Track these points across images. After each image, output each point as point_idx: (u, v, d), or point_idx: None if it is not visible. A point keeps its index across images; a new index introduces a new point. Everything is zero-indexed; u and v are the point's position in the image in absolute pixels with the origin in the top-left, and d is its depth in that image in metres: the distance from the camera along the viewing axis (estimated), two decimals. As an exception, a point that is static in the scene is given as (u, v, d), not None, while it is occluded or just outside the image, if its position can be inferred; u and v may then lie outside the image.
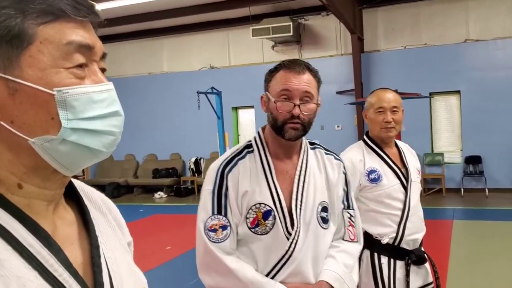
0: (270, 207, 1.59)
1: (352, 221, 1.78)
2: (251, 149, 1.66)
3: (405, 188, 2.34)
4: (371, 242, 2.33)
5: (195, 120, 11.66)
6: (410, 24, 10.51)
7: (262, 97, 1.66)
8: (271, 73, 1.63)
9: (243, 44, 11.58)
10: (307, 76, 1.58)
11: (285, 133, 1.58)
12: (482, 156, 9.90)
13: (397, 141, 2.51)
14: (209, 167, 1.67)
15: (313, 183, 1.66)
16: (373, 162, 2.36)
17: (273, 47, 11.53)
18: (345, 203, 1.76)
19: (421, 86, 9.76)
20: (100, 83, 0.69)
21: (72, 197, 0.78)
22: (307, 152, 1.70)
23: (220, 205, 1.58)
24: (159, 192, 11.82)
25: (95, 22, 0.70)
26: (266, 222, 1.58)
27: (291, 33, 10.50)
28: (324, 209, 1.67)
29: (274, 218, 1.58)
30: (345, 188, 1.77)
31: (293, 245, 1.59)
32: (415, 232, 2.36)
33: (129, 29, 11.91)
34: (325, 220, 1.66)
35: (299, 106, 1.55)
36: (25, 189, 0.67)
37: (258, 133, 1.70)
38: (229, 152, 1.68)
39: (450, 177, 10.15)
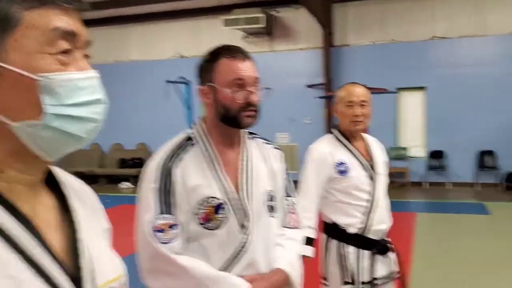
0: (220, 200, 1.52)
1: (293, 208, 1.78)
2: (193, 141, 1.58)
3: (372, 180, 2.40)
4: (338, 232, 2.40)
5: (164, 109, 11.54)
6: (379, 20, 10.67)
7: (202, 89, 1.57)
8: (210, 63, 1.55)
9: (214, 34, 11.49)
10: (250, 62, 1.56)
11: (241, 122, 1.53)
12: (445, 151, 10.20)
13: (365, 135, 2.57)
14: (148, 164, 1.57)
15: (257, 173, 1.62)
16: (342, 154, 2.42)
17: (244, 38, 11.50)
18: (286, 191, 1.76)
19: (388, 82, 9.95)
20: (85, 70, 0.69)
21: (53, 183, 0.78)
22: (247, 142, 1.66)
23: (166, 203, 1.48)
24: (124, 182, 11.66)
25: (80, 9, 0.71)
26: (218, 216, 1.51)
27: (262, 25, 10.50)
28: (271, 198, 1.65)
29: (226, 211, 1.52)
30: (286, 177, 1.77)
31: (247, 237, 1.55)
32: (381, 222, 2.42)
33: (98, 15, 11.64)
34: (272, 209, 1.65)
35: (253, 93, 1.53)
36: (6, 174, 0.68)
37: (199, 123, 1.62)
38: (169, 147, 1.58)
39: (414, 171, 10.41)
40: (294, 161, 11.19)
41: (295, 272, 1.63)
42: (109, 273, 0.79)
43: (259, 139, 1.73)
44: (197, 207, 1.50)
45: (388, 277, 2.46)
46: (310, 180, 2.41)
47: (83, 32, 0.71)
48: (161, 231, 1.46)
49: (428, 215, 7.79)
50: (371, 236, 2.39)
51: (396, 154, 10.47)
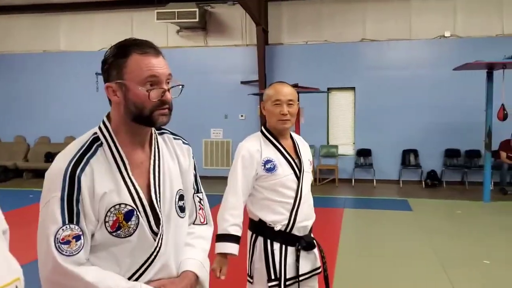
0: (131, 206, 1.43)
1: (202, 204, 1.75)
2: (99, 141, 1.47)
3: (298, 178, 2.46)
4: (265, 229, 2.43)
5: (93, 102, 11.09)
6: (313, 20, 10.91)
7: (109, 86, 1.45)
8: (121, 58, 1.44)
9: (147, 27, 11.25)
10: (162, 58, 1.48)
11: (156, 121, 1.45)
12: (372, 149, 10.64)
13: (292, 133, 2.63)
14: (51, 169, 1.42)
15: (168, 172, 1.56)
16: (269, 152, 2.46)
17: (178, 32, 11.35)
18: (195, 187, 1.72)
19: (320, 81, 10.23)
20: None
21: None
22: (157, 140, 1.58)
23: (71, 213, 1.36)
24: (51, 177, 11.16)
25: None
26: (129, 223, 1.43)
27: (197, 19, 10.41)
28: (181, 197, 1.60)
29: (138, 217, 1.44)
30: (194, 172, 1.71)
31: (159, 242, 1.49)
32: (306, 219, 2.49)
33: (23, 1, 11.03)
34: (182, 209, 1.60)
35: (168, 90, 1.46)
36: None
37: (104, 122, 1.51)
38: (74, 149, 1.45)
39: (343, 168, 10.78)
40: (227, 157, 11.24)
41: (204, 273, 1.61)
42: (4, 277, 0.77)
43: (168, 134, 1.66)
44: (106, 215, 1.41)
45: (312, 273, 2.53)
46: (238, 178, 2.43)
47: None
48: (66, 243, 1.35)
49: (355, 211, 8.09)
50: (296, 232, 2.44)
51: (327, 152, 10.79)
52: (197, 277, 1.58)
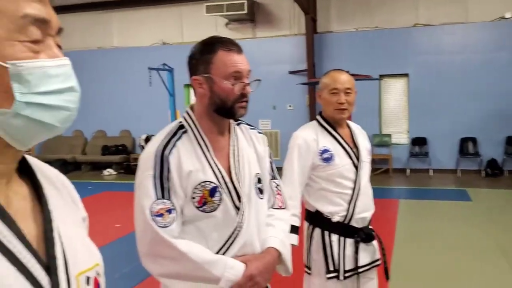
0: (215, 183, 1.60)
1: (279, 190, 1.87)
2: (184, 129, 1.64)
3: (356, 167, 2.40)
4: (322, 220, 2.38)
5: (146, 96, 11.43)
6: (363, 7, 10.66)
7: (196, 79, 1.62)
8: (208, 54, 1.60)
9: (196, 20, 11.38)
10: (243, 55, 1.64)
11: (236, 113, 1.63)
12: (427, 138, 10.30)
13: (349, 122, 2.55)
14: (143, 152, 1.62)
15: (246, 157, 1.71)
16: (326, 141, 2.39)
17: (226, 24, 11.40)
18: (271, 173, 1.85)
19: (372, 68, 9.98)
20: (56, 58, 0.67)
21: (26, 172, 0.77)
22: (234, 129, 1.74)
23: (163, 189, 1.54)
24: (108, 169, 11.57)
25: None
26: (213, 199, 1.59)
27: (245, 11, 10.41)
28: (259, 180, 1.74)
29: (221, 194, 1.60)
30: (270, 160, 1.86)
31: (241, 218, 1.63)
32: (364, 210, 2.42)
33: (79, 0, 11.43)
34: (261, 191, 1.74)
35: (248, 85, 1.63)
36: None
37: (188, 113, 1.68)
38: (162, 134, 1.63)
39: (396, 158, 10.51)
40: (276, 148, 11.22)
41: (286, 250, 1.73)
42: (85, 262, 0.79)
43: (244, 124, 1.81)
44: (193, 192, 1.57)
45: (371, 265, 2.47)
46: (295, 168, 2.38)
47: (55, 18, 0.69)
48: (160, 215, 1.52)
49: (410, 202, 7.88)
50: (354, 224, 2.38)
51: (379, 141, 10.55)
52: (279, 254, 1.70)
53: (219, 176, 1.61)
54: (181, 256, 1.52)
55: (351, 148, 2.42)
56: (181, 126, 1.65)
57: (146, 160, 1.58)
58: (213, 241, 1.60)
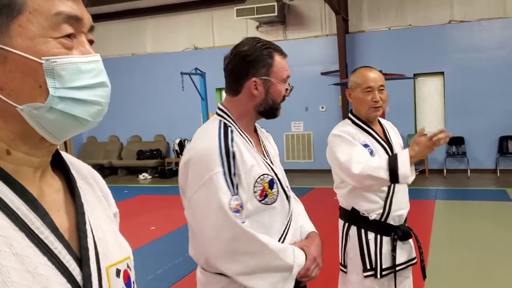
0: (271, 176, 1.66)
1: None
2: (230, 126, 1.68)
3: None
4: (358, 219, 2.35)
5: (179, 101, 11.58)
6: (395, 5, 10.49)
7: (254, 81, 1.66)
8: (268, 58, 1.67)
9: (227, 24, 11.46)
10: None
11: (277, 114, 1.74)
12: (465, 137, 10.04)
13: (380, 119, 2.52)
14: (197, 152, 1.61)
15: (273, 153, 1.82)
16: (365, 138, 2.36)
17: (257, 27, 11.43)
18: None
19: (405, 67, 9.81)
20: (88, 54, 0.70)
21: (60, 167, 0.80)
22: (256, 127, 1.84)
23: (233, 185, 1.57)
24: (143, 174, 11.77)
25: None
26: (273, 190, 1.65)
27: (276, 14, 10.41)
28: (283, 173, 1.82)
29: (277, 185, 1.67)
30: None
31: (290, 207, 1.73)
32: (401, 208, 2.38)
33: (113, 8, 11.70)
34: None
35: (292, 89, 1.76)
36: (13, 156, 0.69)
37: (224, 112, 1.72)
38: (212, 131, 1.64)
39: (433, 158, 10.28)
40: (309, 150, 11.16)
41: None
42: (116, 255, 0.81)
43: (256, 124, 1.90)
44: (254, 186, 1.62)
45: (408, 263, 2.43)
46: (347, 150, 2.24)
47: (87, 16, 0.72)
48: (238, 211, 1.55)
49: (447, 203, 7.69)
50: (391, 222, 2.34)
51: (414, 141, 10.32)
52: (318, 236, 1.82)
53: (270, 169, 1.68)
54: (263, 248, 1.55)
55: (388, 144, 2.39)
56: (225, 124, 1.68)
57: (209, 157, 1.57)
58: (274, 232, 1.66)
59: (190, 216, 1.64)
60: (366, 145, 2.32)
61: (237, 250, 1.55)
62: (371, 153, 2.32)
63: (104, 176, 12.19)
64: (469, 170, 9.86)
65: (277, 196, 1.66)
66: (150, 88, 12.35)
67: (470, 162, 9.89)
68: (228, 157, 1.57)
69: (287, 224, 1.70)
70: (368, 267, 2.32)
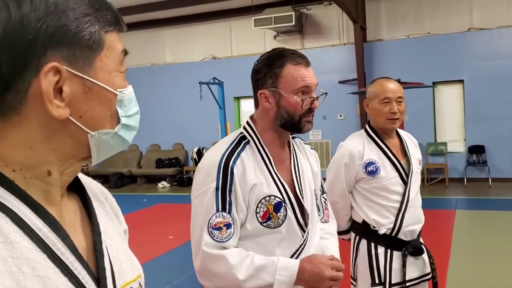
0: (280, 198, 1.54)
1: (326, 204, 1.86)
2: (247, 140, 1.59)
3: (404, 180, 2.32)
4: (368, 232, 2.33)
5: (197, 110, 11.66)
6: (413, 13, 10.45)
7: (263, 93, 1.56)
8: (276, 68, 1.54)
9: (245, 34, 11.53)
10: (311, 68, 1.59)
11: (303, 127, 1.58)
12: (486, 146, 9.89)
13: (400, 131, 2.47)
14: (205, 161, 1.56)
15: (306, 171, 1.68)
16: (372, 153, 2.33)
17: (275, 37, 11.48)
18: (321, 188, 1.83)
19: (424, 76, 9.73)
20: (129, 86, 0.79)
21: (74, 187, 0.83)
22: (292, 142, 1.72)
23: (224, 202, 1.47)
24: (162, 182, 11.86)
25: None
26: (278, 214, 1.53)
27: (293, 23, 10.44)
28: (316, 196, 1.71)
29: (286, 209, 1.54)
30: (320, 174, 1.83)
31: (306, 235, 1.59)
32: (413, 223, 2.34)
33: (132, 19, 11.87)
34: (318, 208, 1.72)
35: (317, 99, 1.58)
36: (52, 176, 0.72)
37: (249, 124, 1.63)
38: (224, 145, 1.57)
39: (453, 167, 10.15)
40: (327, 159, 11.12)
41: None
42: (129, 273, 0.84)
43: (298, 138, 1.79)
44: (257, 206, 1.52)
45: (420, 279, 2.38)
46: (338, 179, 2.38)
47: None
48: (218, 229, 1.46)
49: (468, 212, 7.57)
50: (402, 237, 2.30)
51: (434, 149, 10.23)
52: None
53: (283, 190, 1.56)
54: (230, 271, 1.45)
55: (398, 161, 2.34)
56: (243, 137, 1.59)
57: (209, 170, 1.51)
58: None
59: None
60: (371, 163, 2.30)
61: (207, 269, 1.49)
62: (376, 170, 2.29)
63: (124, 184, 12.26)
64: (490, 179, 9.70)
65: (283, 221, 1.54)
66: (169, 97, 12.48)
67: (491, 171, 9.73)
68: (226, 173, 1.48)
69: (295, 253, 1.57)
70: (377, 281, 2.29)
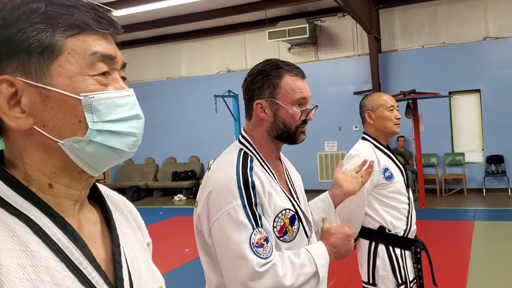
0: (293, 211, 1.53)
1: None
2: (249, 155, 1.54)
3: (406, 183, 2.57)
4: (385, 236, 2.47)
5: (213, 123, 11.73)
6: (428, 23, 10.41)
7: (259, 103, 1.55)
8: (274, 79, 1.53)
9: (259, 47, 11.60)
10: (305, 81, 1.60)
11: (298, 139, 1.58)
12: (504, 155, 9.75)
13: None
14: (217, 183, 1.46)
15: (298, 183, 1.71)
16: (384, 160, 2.52)
17: (289, 49, 11.53)
18: None
19: (440, 86, 9.66)
20: (122, 89, 0.75)
21: (96, 199, 0.85)
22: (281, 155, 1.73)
23: (255, 217, 1.40)
24: (178, 195, 11.91)
25: (115, 34, 0.77)
26: (293, 228, 1.52)
27: (307, 35, 10.48)
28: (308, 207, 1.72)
29: (299, 222, 1.54)
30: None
31: (310, 243, 1.61)
32: (414, 223, 2.57)
33: (148, 34, 12.04)
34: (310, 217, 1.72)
35: (311, 110, 1.59)
36: (55, 189, 0.74)
37: (246, 138, 1.59)
38: (232, 161, 1.50)
39: (471, 177, 10.01)
40: (344, 170, 11.05)
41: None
42: (149, 285, 0.84)
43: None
44: (274, 220, 1.48)
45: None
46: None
47: (119, 54, 0.77)
48: (260, 246, 1.39)
49: (487, 223, 7.44)
50: (410, 236, 2.52)
51: (452, 160, 10.11)
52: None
53: (294, 203, 1.56)
54: (280, 284, 1.39)
55: (403, 165, 2.60)
56: (245, 153, 1.54)
57: (228, 189, 1.42)
58: None
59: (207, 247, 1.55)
60: (387, 169, 2.49)
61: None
62: (392, 175, 2.48)
63: (140, 197, 12.32)
64: (509, 190, 9.54)
65: (296, 233, 1.53)
66: (185, 110, 12.57)
67: (511, 181, 9.57)
68: (248, 187, 1.42)
69: None
70: (400, 281, 2.45)
